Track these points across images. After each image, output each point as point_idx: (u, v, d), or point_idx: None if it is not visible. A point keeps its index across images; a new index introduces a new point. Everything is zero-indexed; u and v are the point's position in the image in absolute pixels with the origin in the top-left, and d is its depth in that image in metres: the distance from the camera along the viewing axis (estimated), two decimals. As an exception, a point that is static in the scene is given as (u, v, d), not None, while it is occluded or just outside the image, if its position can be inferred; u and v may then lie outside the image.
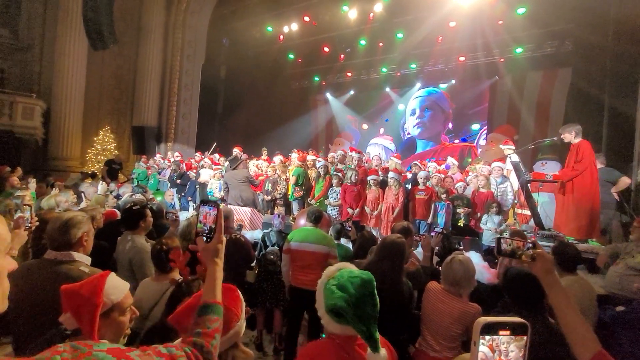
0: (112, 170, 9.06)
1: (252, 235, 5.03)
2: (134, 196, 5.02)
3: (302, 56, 12.85)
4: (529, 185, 4.86)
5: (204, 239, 1.04)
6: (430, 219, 5.32)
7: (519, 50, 9.60)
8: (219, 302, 0.99)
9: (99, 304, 1.08)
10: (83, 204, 4.55)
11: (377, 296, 1.11)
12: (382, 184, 5.75)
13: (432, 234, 3.67)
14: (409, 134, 12.42)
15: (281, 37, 11.88)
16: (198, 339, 0.90)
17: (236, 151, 7.54)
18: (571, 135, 4.42)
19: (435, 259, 3.19)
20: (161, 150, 10.64)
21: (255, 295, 3.65)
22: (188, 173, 7.71)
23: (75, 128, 9.96)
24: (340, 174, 6.04)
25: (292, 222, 4.91)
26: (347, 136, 13.30)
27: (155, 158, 9.27)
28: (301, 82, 13.99)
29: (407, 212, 5.52)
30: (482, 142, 10.80)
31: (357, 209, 5.59)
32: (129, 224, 2.60)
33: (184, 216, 4.24)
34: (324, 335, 1.13)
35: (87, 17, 8.05)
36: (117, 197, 5.53)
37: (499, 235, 1.19)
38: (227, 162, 6.59)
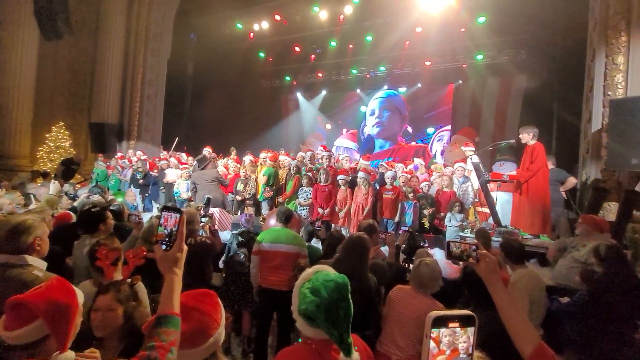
0: (69, 170, 8.44)
1: (220, 236, 4.96)
2: (91, 197, 4.72)
3: (273, 55, 12.72)
4: (488, 184, 5.14)
5: (163, 246, 0.99)
6: (397, 218, 5.46)
7: (479, 57, 10.14)
8: (176, 313, 0.95)
9: (77, 307, 1.05)
10: (32, 206, 4.21)
11: (350, 301, 1.10)
12: (351, 184, 5.82)
13: (399, 232, 3.76)
14: (368, 134, 12.81)
15: (251, 34, 11.69)
16: (152, 352, 0.86)
17: (206, 150, 7.31)
18: (529, 137, 4.72)
19: (402, 256, 3.28)
20: (123, 148, 10.07)
21: (222, 298, 3.52)
22: (151, 173, 7.36)
23: (23, 124, 9.16)
24: (310, 174, 6.04)
25: (262, 223, 4.85)
26: (318, 136, 13.36)
27: (116, 157, 8.76)
28: (272, 81, 13.83)
29: (376, 211, 5.62)
30: (437, 144, 11.36)
31: (328, 209, 5.61)
32: (87, 227, 2.48)
33: (147, 218, 4.04)
34: (300, 340, 1.12)
35: (39, 5, 7.42)
36: (74, 198, 5.18)
37: (448, 240, 1.25)
38: (195, 162, 6.37)
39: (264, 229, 3.71)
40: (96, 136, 9.95)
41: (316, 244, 4.34)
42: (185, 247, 1.01)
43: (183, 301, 1.05)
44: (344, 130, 13.10)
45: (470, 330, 0.59)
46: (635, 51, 5.23)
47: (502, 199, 5.42)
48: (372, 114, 12.75)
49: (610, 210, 5.09)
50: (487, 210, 5.44)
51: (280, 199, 6.17)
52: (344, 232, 5.42)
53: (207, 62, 12.18)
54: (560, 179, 5.33)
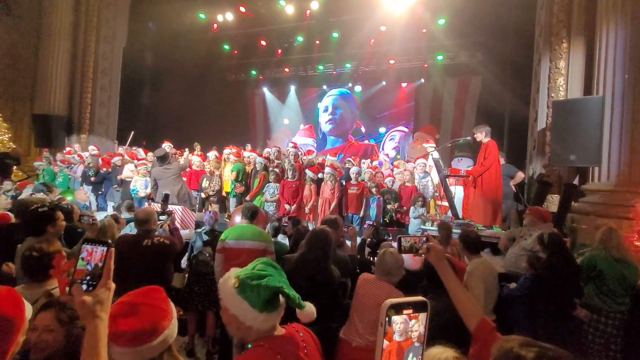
0: (4, 166, 7.62)
1: (183, 235, 4.77)
2: (34, 195, 4.30)
3: (238, 48, 12.35)
4: (447, 179, 5.40)
5: (84, 286, 0.79)
6: (362, 212, 5.58)
7: (440, 57, 10.57)
8: None
9: (22, 323, 0.96)
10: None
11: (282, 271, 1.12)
12: (317, 180, 5.86)
13: (364, 226, 3.84)
14: (320, 130, 13.07)
15: (215, 25, 11.25)
16: None
17: (166, 145, 6.97)
18: (482, 135, 5.02)
19: (367, 250, 3.36)
20: (72, 142, 9.29)
21: (185, 299, 3.45)
22: (103, 169, 6.89)
23: (-48, 114, 8.12)
24: (277, 170, 5.98)
25: (227, 220, 4.73)
26: (285, 132, 13.24)
27: (63, 152, 8.07)
28: (237, 74, 13.44)
29: (342, 206, 5.70)
30: (389, 142, 11.81)
31: (294, 205, 5.60)
32: (32, 229, 2.25)
33: (101, 218, 3.78)
34: (249, 346, 1.07)
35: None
36: (15, 197, 4.69)
37: (399, 235, 1.33)
38: (154, 158, 6.04)
39: (230, 226, 3.60)
40: (41, 129, 9.08)
41: (283, 240, 4.34)
42: (113, 286, 0.82)
43: (129, 300, 1.02)
44: (301, 126, 13.20)
45: (423, 316, 0.61)
46: (574, 57, 5.73)
47: (460, 193, 5.75)
48: (326, 110, 13.00)
49: (553, 202, 5.57)
50: (446, 203, 5.74)
51: (247, 198, 6.05)
52: (310, 227, 5.44)
53: (167, 53, 11.55)
54: (510, 174, 5.74)
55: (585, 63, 5.58)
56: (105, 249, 0.82)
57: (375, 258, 2.34)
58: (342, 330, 2.26)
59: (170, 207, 5.27)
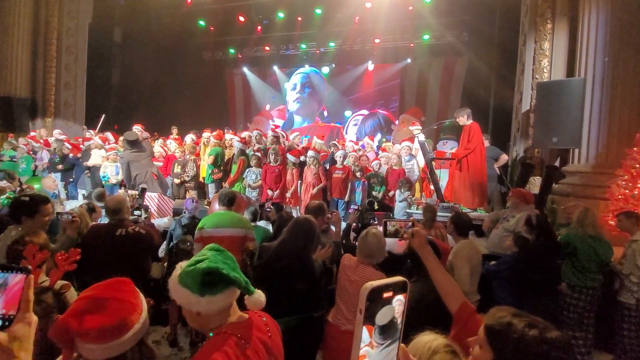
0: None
1: (160, 223, 4.70)
2: (-4, 184, 4.07)
3: (215, 24, 11.85)
4: (432, 162, 5.46)
5: None
6: (347, 197, 5.59)
7: (426, 37, 10.50)
8: None
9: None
10: None
11: (226, 252, 1.13)
12: (300, 164, 5.80)
13: (349, 211, 3.85)
14: (287, 109, 13.04)
15: (189, 0, 10.71)
16: None
17: (136, 129, 6.72)
18: (464, 118, 5.06)
19: (353, 234, 3.37)
20: (37, 127, 8.80)
21: (166, 290, 3.40)
22: (71, 155, 6.59)
23: None
24: (259, 154, 5.88)
25: (208, 207, 4.68)
26: (267, 114, 13.02)
27: (27, 137, 7.65)
28: (215, 53, 12.94)
29: (326, 191, 5.69)
30: (352, 127, 11.99)
31: (277, 190, 5.54)
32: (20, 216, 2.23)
33: (71, 207, 3.63)
34: (211, 335, 1.08)
35: None
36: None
37: (385, 219, 1.37)
38: (125, 141, 5.82)
39: (210, 213, 3.58)
40: (2, 113, 8.54)
41: (267, 225, 4.33)
42: (35, 319, 0.68)
43: (95, 294, 0.97)
44: (267, 107, 13.10)
45: (400, 297, 0.60)
46: (558, 38, 5.80)
47: (446, 177, 5.84)
48: (294, 88, 12.89)
49: (535, 184, 5.74)
50: (431, 187, 5.82)
51: (226, 184, 5.95)
52: (294, 213, 5.43)
53: (138, 29, 10.95)
54: (494, 156, 5.85)
55: (569, 44, 5.66)
56: (22, 276, 0.67)
57: (358, 240, 2.34)
58: (330, 315, 2.29)
59: (147, 197, 5.17)
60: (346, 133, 11.66)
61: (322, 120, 12.64)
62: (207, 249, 1.14)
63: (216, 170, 6.19)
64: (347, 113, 12.38)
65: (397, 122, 10.69)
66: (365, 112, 11.99)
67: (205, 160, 6.44)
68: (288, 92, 12.91)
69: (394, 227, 1.32)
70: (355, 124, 12.06)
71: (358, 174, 5.62)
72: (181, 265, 1.10)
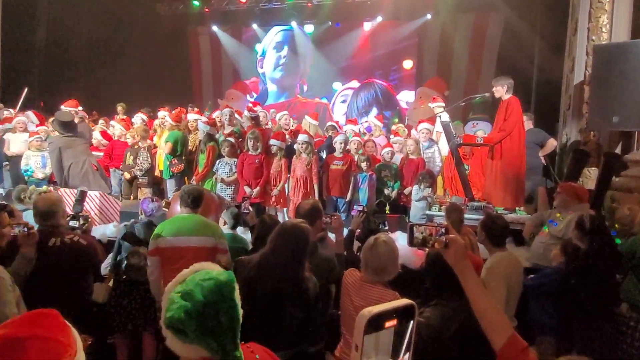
0: None
1: (104, 231, 4.75)
2: None
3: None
4: (458, 149, 5.48)
5: None
6: (349, 195, 5.59)
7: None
8: None
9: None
10: None
11: (237, 302, 1.15)
12: (289, 152, 5.79)
13: (352, 213, 3.85)
14: (263, 72, 13.07)
15: None
16: None
17: (67, 109, 6.64)
18: (503, 89, 5.07)
19: (357, 244, 3.38)
20: None
21: (111, 317, 3.43)
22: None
23: None
24: (232, 140, 5.85)
25: (166, 210, 4.63)
26: (244, 87, 12.93)
27: None
28: (172, 5, 12.70)
29: (322, 188, 5.70)
30: (340, 104, 12.13)
31: (258, 187, 5.52)
32: None
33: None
34: None
35: None
36: None
37: (411, 223, 1.36)
38: (56, 124, 5.75)
39: (169, 217, 3.58)
40: None
41: (244, 233, 4.29)
42: None
43: (9, 333, 0.94)
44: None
45: (409, 324, 0.61)
46: (621, -13, 5.81)
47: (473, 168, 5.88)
48: (277, 48, 12.86)
49: (590, 177, 5.81)
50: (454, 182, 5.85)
51: (193, 181, 5.91)
52: (280, 217, 5.42)
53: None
54: (538, 141, 5.89)
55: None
56: None
57: (362, 251, 2.34)
58: (338, 349, 2.31)
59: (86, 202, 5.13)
60: (332, 111, 11.84)
61: (303, 94, 12.71)
62: (196, 283, 1.12)
63: (176, 162, 6.16)
64: (337, 86, 12.42)
65: (343, 104, 10.71)
66: (356, 84, 12.05)
67: (162, 149, 6.38)
68: (267, 52, 12.88)
69: (423, 235, 1.30)
70: (344, 100, 12.14)
71: (364, 166, 5.63)
72: (193, 279, 1.13)
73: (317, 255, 2.61)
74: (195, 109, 8.63)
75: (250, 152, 5.61)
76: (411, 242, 1.32)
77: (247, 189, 5.51)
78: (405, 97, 11.85)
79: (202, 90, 13.34)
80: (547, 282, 2.98)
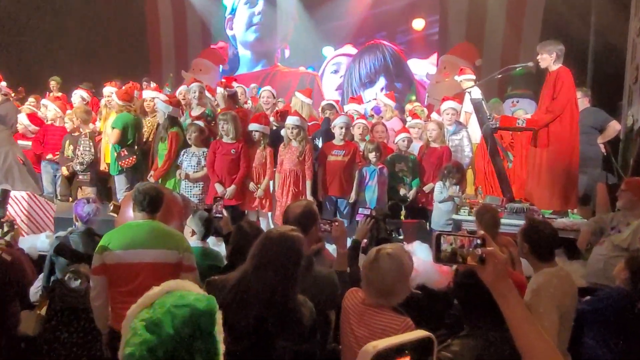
0: None
1: (34, 243, 4.79)
2: None
3: None
4: (494, 135, 5.46)
5: None
6: (353, 195, 5.58)
7: None
8: None
9: None
10: None
11: (218, 338, 1.16)
12: (275, 140, 5.78)
13: (356, 218, 3.83)
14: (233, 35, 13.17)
15: None
16: None
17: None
18: (550, 58, 5.06)
19: (363, 258, 3.37)
20: None
21: (44, 354, 3.48)
22: None
23: None
24: (201, 124, 5.83)
25: (114, 215, 4.67)
26: (216, 56, 12.90)
27: None
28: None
29: (317, 185, 5.69)
30: (331, 75, 12.29)
31: (234, 186, 5.50)
32: None
33: None
34: None
35: None
36: None
37: (438, 232, 1.34)
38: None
39: (119, 225, 3.59)
40: None
41: (217, 245, 4.24)
42: None
43: None
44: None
45: None
46: None
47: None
48: (249, 3, 12.96)
49: (664, 170, 5.82)
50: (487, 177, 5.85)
51: (150, 177, 5.87)
52: (263, 224, 5.40)
53: None
54: (597, 125, 5.89)
55: None
56: None
57: (362, 267, 2.34)
58: None
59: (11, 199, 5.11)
60: (322, 78, 11.99)
61: (284, 62, 12.74)
62: (167, 310, 1.11)
63: (126, 153, 6.13)
64: (327, 52, 12.45)
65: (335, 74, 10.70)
66: (351, 50, 11.99)
67: (109, 136, 6.35)
68: (239, 6, 13.00)
69: (452, 246, 1.29)
70: (336, 71, 12.20)
71: (372, 157, 5.62)
72: (163, 303, 1.13)
73: (313, 273, 2.61)
74: (153, 84, 8.59)
75: (224, 140, 5.58)
76: (437, 256, 1.31)
77: (218, 187, 5.48)
78: (416, 67, 11.88)
79: (162, 59, 13.34)
80: (606, 307, 2.99)
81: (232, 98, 6.44)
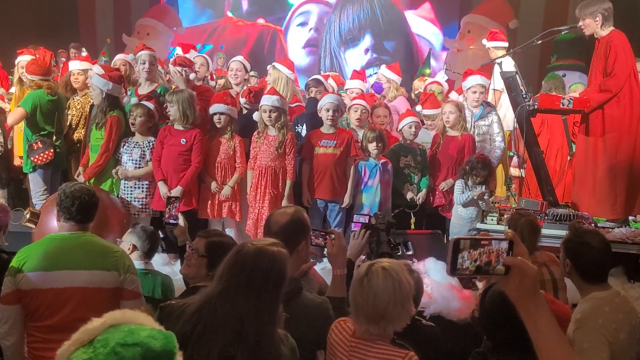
0: None
1: None
2: None
3: None
4: (530, 121, 5.50)
5: None
6: (347, 198, 5.61)
7: None
8: None
9: None
10: None
11: None
12: (245, 126, 5.82)
13: (351, 229, 3.85)
14: None
15: None
16: None
17: None
18: (594, 22, 5.12)
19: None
20: None
21: None
22: None
23: None
24: (149, 105, 5.80)
25: (31, 226, 4.73)
26: (169, 15, 12.89)
27: None
28: None
29: (300, 185, 5.73)
30: (297, 26, 12.37)
31: (179, 187, 5.42)
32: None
33: None
34: None
35: None
36: None
37: (457, 238, 1.34)
38: None
39: (38, 238, 3.63)
40: None
41: (168, 266, 4.25)
42: None
43: None
44: None
45: None
46: None
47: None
48: None
49: None
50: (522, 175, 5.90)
51: (80, 175, 5.84)
52: (235, 236, 5.36)
53: None
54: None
55: None
56: None
57: (350, 288, 2.39)
58: None
59: None
60: (286, 38, 12.08)
61: (238, 13, 12.76)
62: (111, 350, 1.11)
63: (40, 145, 6.10)
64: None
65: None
66: None
67: (13, 119, 6.35)
68: None
69: (471, 257, 1.29)
70: (304, 23, 12.26)
71: (371, 148, 5.65)
72: (105, 341, 1.13)
73: (300, 301, 2.63)
74: (84, 53, 8.54)
75: (175, 126, 5.59)
76: (453, 267, 1.29)
77: (162, 188, 5.44)
78: (415, 25, 11.89)
79: (96, 19, 13.34)
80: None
81: (187, 69, 6.21)
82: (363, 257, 3.52)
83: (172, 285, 3.66)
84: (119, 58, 7.15)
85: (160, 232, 5.43)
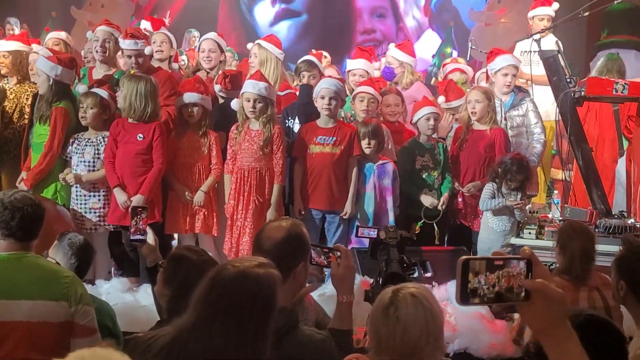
0: None
1: None
2: None
3: None
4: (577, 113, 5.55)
5: None
6: (348, 207, 5.65)
7: None
8: None
9: None
10: None
11: None
12: (222, 120, 5.87)
13: (353, 244, 3.88)
14: None
15: None
16: None
17: None
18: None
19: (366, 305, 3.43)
20: None
21: None
22: None
23: None
24: (103, 93, 5.82)
25: None
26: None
27: None
28: None
29: (291, 191, 5.79)
30: None
31: (140, 195, 5.42)
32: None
33: None
34: None
35: None
36: None
37: (465, 257, 1.34)
38: None
39: None
40: None
41: (130, 292, 4.30)
42: None
43: None
44: None
45: None
46: None
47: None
48: None
49: None
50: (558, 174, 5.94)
51: (22, 183, 5.86)
52: (213, 253, 5.38)
53: None
54: None
55: None
56: None
57: (370, 318, 2.39)
58: None
59: None
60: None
61: None
62: None
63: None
64: None
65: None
66: None
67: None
68: None
69: (496, 283, 1.30)
70: None
71: (364, 146, 5.68)
72: None
73: (296, 336, 2.65)
74: (23, 28, 8.57)
75: (130, 119, 5.58)
76: (464, 294, 1.29)
77: (119, 196, 5.44)
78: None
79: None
80: None
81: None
82: (371, 285, 3.54)
83: (112, 312, 3.67)
84: (52, 37, 7.22)
85: (114, 249, 5.49)
